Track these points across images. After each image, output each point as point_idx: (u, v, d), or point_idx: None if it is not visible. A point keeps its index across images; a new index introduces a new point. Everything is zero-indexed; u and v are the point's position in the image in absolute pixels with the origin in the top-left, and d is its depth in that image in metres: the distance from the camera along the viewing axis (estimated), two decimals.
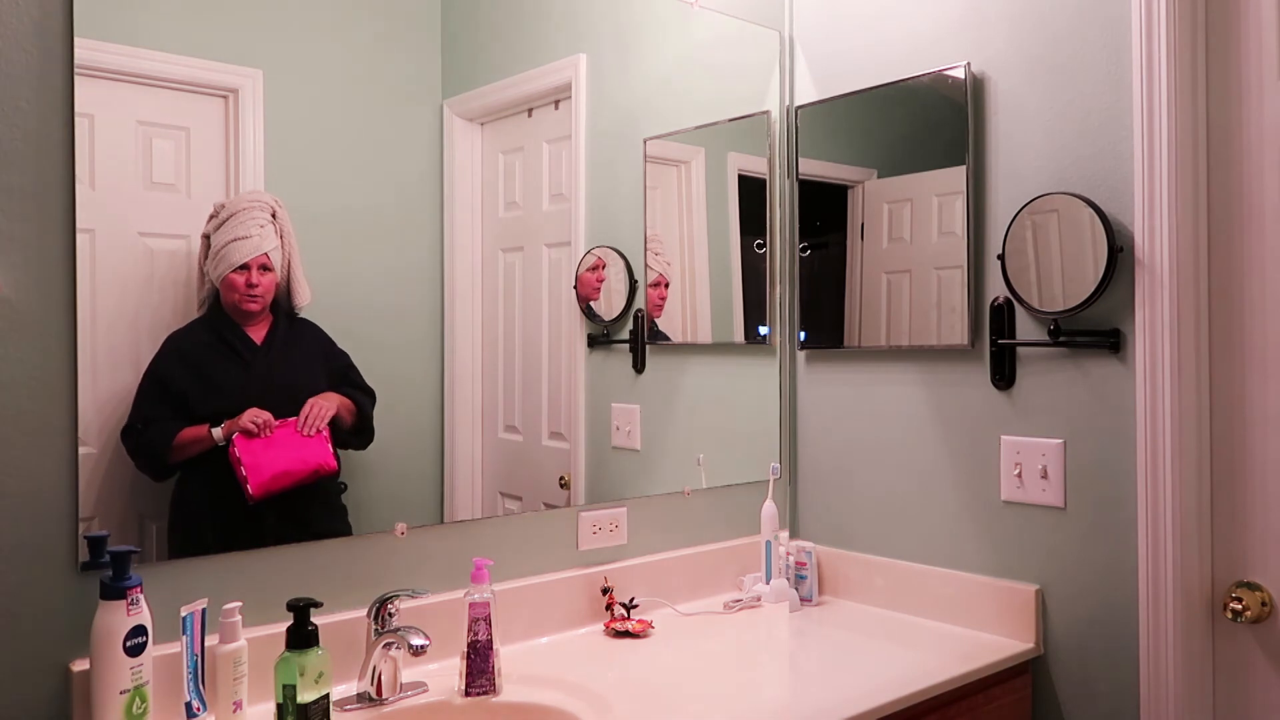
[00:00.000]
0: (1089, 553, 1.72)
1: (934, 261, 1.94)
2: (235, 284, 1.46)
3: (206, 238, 1.44)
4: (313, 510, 1.54)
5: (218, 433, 1.45)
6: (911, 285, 1.98)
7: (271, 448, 1.49)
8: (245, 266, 1.46)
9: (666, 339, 2.04)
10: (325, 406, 1.55)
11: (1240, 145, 1.61)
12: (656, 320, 2.02)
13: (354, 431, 1.59)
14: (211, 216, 1.44)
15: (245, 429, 1.47)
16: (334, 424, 1.56)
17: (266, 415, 1.49)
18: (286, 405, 1.52)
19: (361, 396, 1.59)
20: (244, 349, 1.49)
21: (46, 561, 1.30)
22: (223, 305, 1.46)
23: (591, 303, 1.91)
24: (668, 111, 2.03)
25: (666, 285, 2.04)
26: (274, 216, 1.49)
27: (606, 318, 1.94)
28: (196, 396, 1.44)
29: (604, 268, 1.93)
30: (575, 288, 1.88)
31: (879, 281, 2.05)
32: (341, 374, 1.57)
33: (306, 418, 1.52)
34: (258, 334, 1.50)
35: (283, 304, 1.51)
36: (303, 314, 1.54)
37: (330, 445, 1.55)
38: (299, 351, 1.54)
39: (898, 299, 2.01)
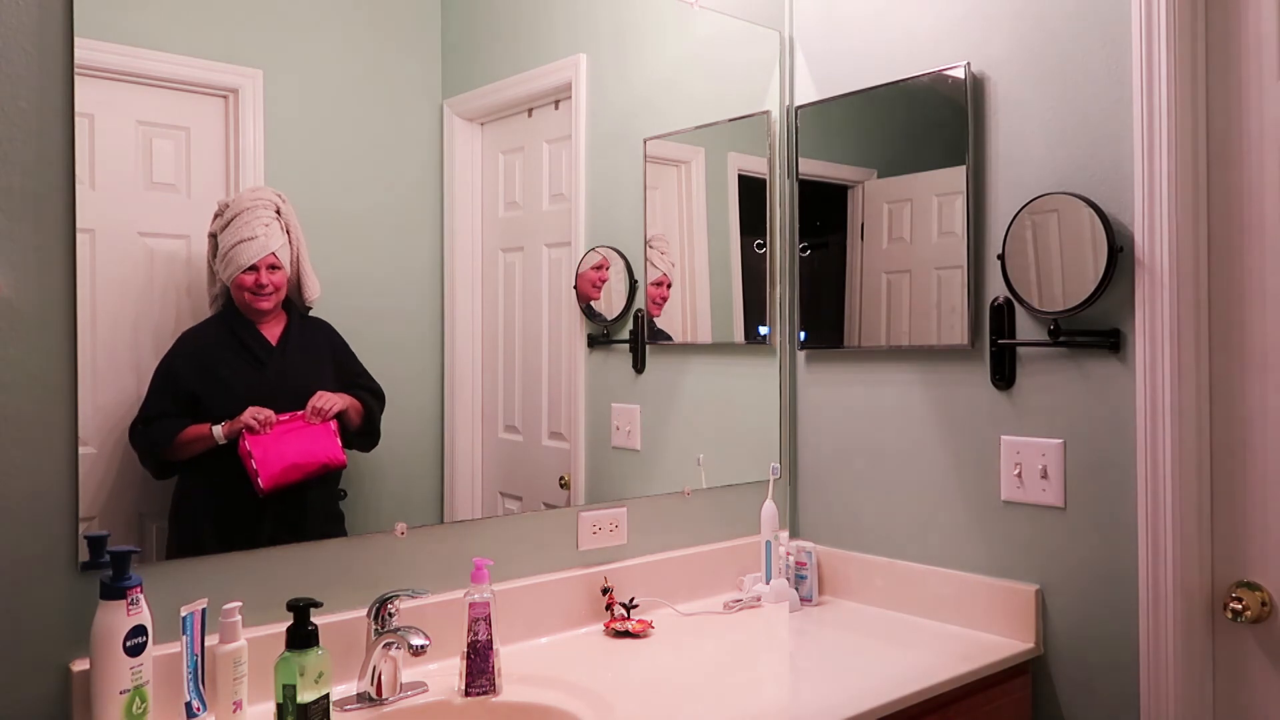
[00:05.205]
0: (1089, 553, 1.72)
1: (934, 261, 1.94)
2: (245, 283, 1.46)
3: (213, 237, 1.44)
4: (312, 512, 1.54)
5: (218, 431, 1.45)
6: (911, 285, 1.98)
7: (281, 441, 1.50)
8: (254, 267, 1.47)
9: (668, 338, 2.03)
10: (332, 398, 1.55)
11: (1240, 145, 1.61)
12: (656, 319, 2.02)
13: (360, 433, 1.59)
14: (216, 215, 1.44)
15: (247, 425, 1.47)
16: (341, 423, 1.56)
17: (267, 412, 1.49)
18: (295, 405, 1.52)
19: (370, 398, 1.59)
20: (259, 349, 1.49)
21: (46, 561, 1.30)
22: (235, 303, 1.46)
23: (592, 302, 1.91)
24: (668, 111, 2.03)
25: (669, 285, 2.04)
26: (278, 212, 1.49)
27: (607, 317, 1.94)
28: (208, 396, 1.45)
29: (607, 267, 1.92)
30: (575, 287, 1.88)
31: (879, 281, 2.05)
32: (352, 375, 1.58)
33: (314, 408, 1.53)
34: (272, 333, 1.50)
35: (295, 299, 1.52)
36: (314, 310, 1.54)
37: (339, 440, 1.55)
38: (311, 352, 1.54)
39: (898, 299, 2.01)
